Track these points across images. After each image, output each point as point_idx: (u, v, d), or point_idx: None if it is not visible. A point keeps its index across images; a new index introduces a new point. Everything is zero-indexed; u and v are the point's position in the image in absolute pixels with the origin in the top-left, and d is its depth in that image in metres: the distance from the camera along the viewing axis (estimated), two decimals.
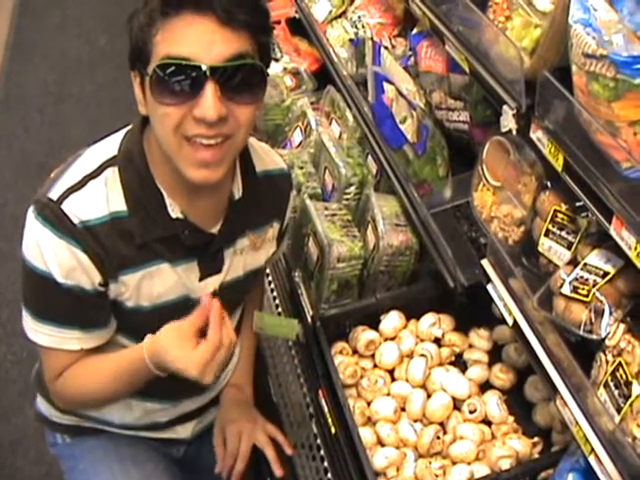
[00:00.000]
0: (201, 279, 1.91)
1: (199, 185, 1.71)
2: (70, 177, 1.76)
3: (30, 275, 1.77)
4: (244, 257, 2.00)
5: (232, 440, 2.17)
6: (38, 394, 2.21)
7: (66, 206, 1.71)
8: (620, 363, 1.65)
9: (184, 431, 2.23)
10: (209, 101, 1.56)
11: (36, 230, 1.72)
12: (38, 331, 1.83)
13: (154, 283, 1.84)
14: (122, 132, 1.84)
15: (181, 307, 1.88)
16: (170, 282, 1.86)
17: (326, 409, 2.33)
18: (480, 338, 2.56)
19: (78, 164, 1.80)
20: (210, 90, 1.56)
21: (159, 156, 1.74)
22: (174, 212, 1.79)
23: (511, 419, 2.36)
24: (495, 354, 2.54)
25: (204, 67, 1.55)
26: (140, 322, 1.89)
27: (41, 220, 1.71)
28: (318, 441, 2.49)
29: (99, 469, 2.14)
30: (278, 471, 2.14)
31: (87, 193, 1.73)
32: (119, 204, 1.75)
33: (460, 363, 2.54)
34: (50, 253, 1.71)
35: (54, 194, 1.72)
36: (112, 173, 1.76)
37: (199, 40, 1.55)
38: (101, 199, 1.74)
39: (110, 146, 1.81)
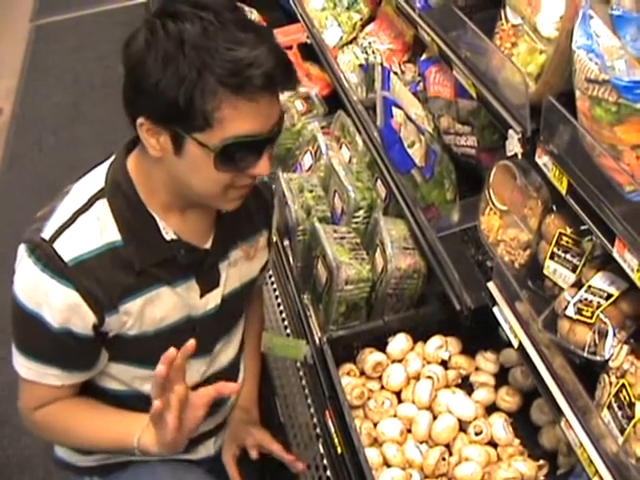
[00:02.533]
0: (202, 295, 1.93)
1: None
2: (60, 215, 1.76)
3: (18, 312, 1.77)
4: (239, 268, 2.02)
5: (248, 438, 2.19)
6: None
7: (58, 245, 1.71)
8: (623, 384, 1.66)
9: (206, 450, 2.23)
10: (267, 162, 1.69)
11: (28, 270, 1.73)
12: (20, 364, 1.85)
13: (155, 308, 1.85)
14: (106, 164, 1.84)
15: (183, 328, 1.92)
16: (171, 304, 1.88)
17: (333, 430, 2.35)
18: (487, 361, 2.57)
19: (67, 201, 1.80)
20: (267, 153, 1.68)
21: (155, 184, 1.76)
22: (168, 234, 1.81)
23: (517, 442, 2.36)
24: (501, 377, 2.54)
25: (266, 137, 1.65)
26: (143, 348, 1.90)
27: (34, 260, 1.71)
28: (325, 461, 2.51)
29: None
30: (301, 466, 2.18)
31: (78, 229, 1.74)
32: (113, 234, 1.76)
33: (467, 386, 2.55)
34: (42, 294, 1.72)
35: (46, 233, 1.73)
36: (102, 205, 1.76)
37: (263, 116, 1.62)
38: (94, 233, 1.74)
39: (96, 179, 1.81)
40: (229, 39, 1.55)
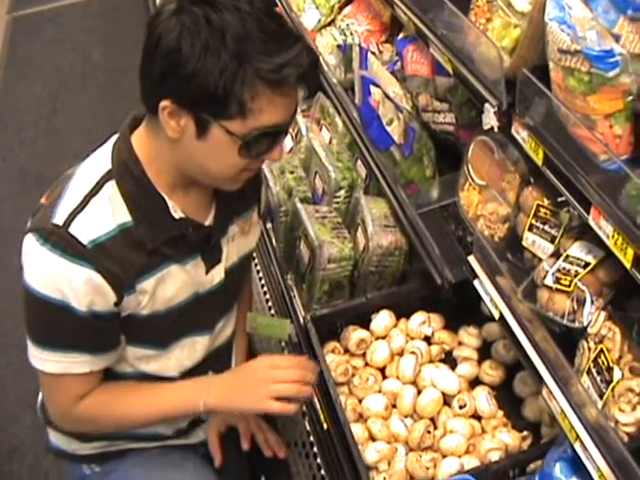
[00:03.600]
0: (207, 272, 1.96)
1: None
2: (70, 199, 1.76)
3: (41, 305, 1.77)
4: (236, 243, 2.05)
5: (242, 423, 2.25)
6: (51, 430, 2.19)
7: (73, 229, 1.72)
8: (602, 350, 1.69)
9: (204, 433, 2.26)
10: (281, 149, 1.78)
11: (45, 258, 1.72)
12: (45, 359, 1.84)
13: (166, 286, 1.88)
14: (109, 144, 1.86)
15: (191, 305, 1.96)
16: (180, 282, 1.90)
17: (318, 406, 2.37)
18: (469, 336, 2.59)
19: (74, 185, 1.80)
20: (282, 140, 1.77)
21: (161, 161, 1.79)
22: (176, 213, 1.84)
23: (500, 414, 2.38)
24: (484, 351, 2.57)
25: (287, 126, 1.74)
26: (152, 328, 1.93)
27: (49, 247, 1.71)
28: (311, 438, 2.53)
29: None
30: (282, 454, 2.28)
31: (91, 212, 1.75)
32: (124, 215, 1.78)
33: (450, 360, 2.57)
34: (63, 279, 1.72)
35: (58, 219, 1.73)
36: (111, 187, 1.78)
37: (290, 108, 1.70)
38: (106, 214, 1.76)
39: (102, 161, 1.82)
40: (267, 32, 1.61)
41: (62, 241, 1.71)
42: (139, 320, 1.88)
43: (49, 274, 1.73)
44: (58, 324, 1.80)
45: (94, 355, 1.86)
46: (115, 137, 1.87)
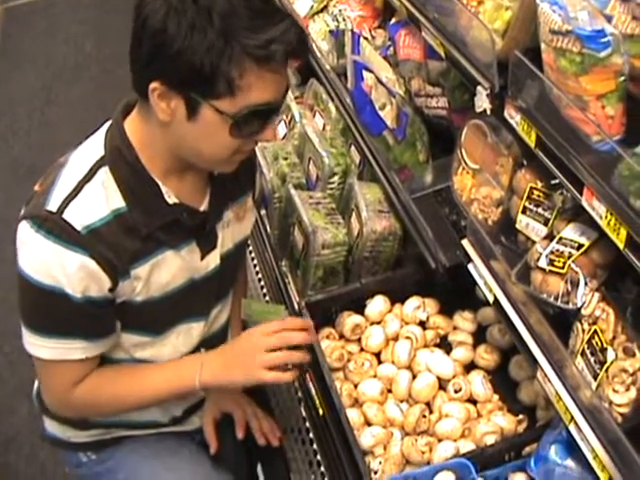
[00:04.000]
0: (202, 257, 1.96)
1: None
2: (63, 186, 1.76)
3: (36, 292, 1.76)
4: (231, 229, 2.05)
5: (237, 411, 2.26)
6: (47, 418, 2.19)
7: (67, 215, 1.72)
8: (595, 331, 1.69)
9: (200, 420, 2.27)
10: (274, 129, 1.78)
11: (39, 245, 1.72)
12: (40, 345, 1.84)
13: (162, 272, 1.88)
14: (102, 131, 1.85)
15: (187, 291, 1.96)
16: (175, 268, 1.91)
17: (314, 392, 2.37)
18: (464, 320, 2.59)
19: (67, 172, 1.80)
20: (274, 120, 1.75)
21: (154, 146, 1.78)
22: (170, 198, 1.83)
23: (496, 397, 2.39)
24: (480, 336, 2.57)
25: (278, 105, 1.71)
26: (147, 315, 1.93)
27: (44, 233, 1.71)
28: (307, 424, 2.53)
29: (141, 471, 2.16)
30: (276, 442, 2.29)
31: (85, 198, 1.74)
32: (118, 201, 1.77)
33: (445, 345, 2.57)
34: (57, 266, 1.72)
35: (52, 206, 1.73)
36: (105, 173, 1.77)
37: (280, 86, 1.69)
38: (100, 200, 1.75)
39: (95, 147, 1.82)
40: (253, 10, 1.60)
41: (56, 227, 1.71)
42: (134, 306, 1.88)
43: (43, 260, 1.73)
44: (53, 310, 1.80)
45: (89, 341, 1.86)
46: (108, 124, 1.86)
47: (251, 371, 1.96)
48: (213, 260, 2.00)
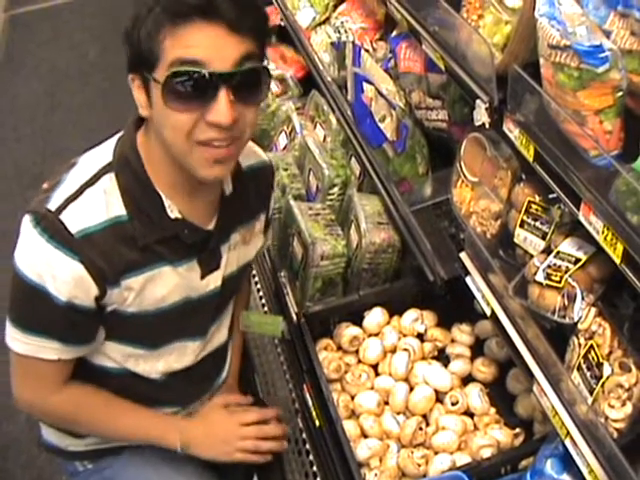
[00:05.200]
0: (202, 277, 1.94)
1: (207, 182, 1.78)
2: (67, 187, 1.76)
3: (20, 285, 1.76)
4: (237, 252, 2.04)
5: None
6: (44, 426, 2.18)
7: (64, 216, 1.71)
8: (592, 345, 1.70)
9: None
10: (223, 106, 1.60)
11: (33, 240, 1.72)
12: (16, 339, 1.82)
13: (156, 286, 1.86)
14: (114, 139, 1.86)
15: (182, 309, 1.94)
16: (172, 284, 1.89)
17: (311, 403, 2.37)
18: (462, 333, 2.60)
19: (74, 173, 1.80)
20: (223, 96, 1.59)
21: (159, 158, 1.77)
22: (173, 213, 1.82)
23: (493, 411, 2.39)
24: (477, 349, 2.57)
25: (217, 72, 1.58)
26: (140, 327, 1.91)
27: (39, 230, 1.71)
28: (304, 435, 2.53)
29: None
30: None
31: (85, 202, 1.74)
32: (118, 209, 1.77)
33: (443, 358, 2.58)
34: (45, 265, 1.71)
35: (52, 205, 1.73)
36: (109, 180, 1.77)
37: (209, 46, 1.58)
38: (100, 206, 1.75)
39: (104, 153, 1.82)
40: None
41: (51, 227, 1.71)
42: (126, 317, 1.87)
43: (33, 257, 1.73)
44: (33, 306, 1.79)
45: (64, 344, 1.84)
46: (121, 132, 1.87)
47: (229, 454, 2.10)
48: (214, 281, 1.98)
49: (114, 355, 1.96)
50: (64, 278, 1.72)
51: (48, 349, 1.83)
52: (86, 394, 1.98)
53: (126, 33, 1.63)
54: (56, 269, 1.71)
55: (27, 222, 1.74)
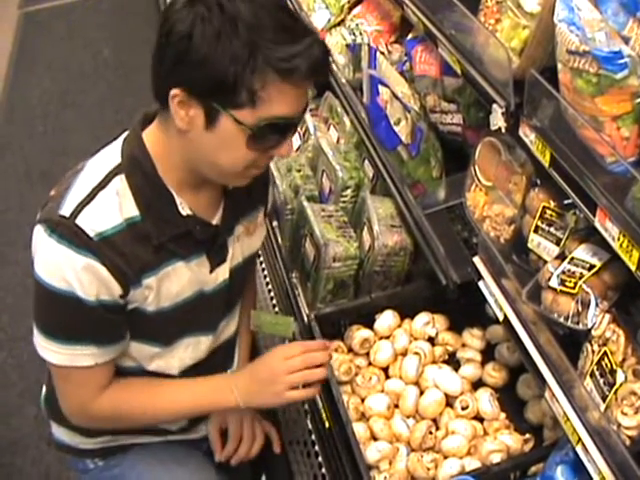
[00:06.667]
0: (211, 270, 1.96)
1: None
2: (78, 192, 1.77)
3: (49, 295, 1.77)
4: (241, 244, 2.06)
5: (235, 426, 2.22)
6: (55, 424, 2.19)
7: (80, 221, 1.72)
8: (605, 352, 1.69)
9: (207, 429, 2.26)
10: (291, 144, 1.77)
11: (52, 249, 1.73)
12: (50, 350, 1.84)
13: (172, 283, 1.88)
14: (120, 140, 1.86)
15: (196, 302, 1.96)
16: (185, 279, 1.91)
17: (321, 405, 2.37)
18: (473, 337, 2.59)
19: (83, 178, 1.81)
20: (292, 135, 1.76)
21: (172, 159, 1.79)
22: (184, 209, 1.84)
23: (503, 416, 2.38)
24: (488, 353, 2.57)
25: (296, 120, 1.73)
26: (158, 325, 1.93)
27: (56, 238, 1.71)
28: (313, 437, 2.53)
29: (147, 479, 2.17)
30: (278, 449, 2.27)
31: (99, 205, 1.75)
32: (131, 210, 1.78)
33: (453, 362, 2.57)
34: (69, 269, 1.72)
35: (65, 211, 1.73)
36: (120, 181, 1.78)
37: (300, 101, 1.70)
38: (113, 208, 1.76)
39: (112, 155, 1.83)
40: (279, 23, 1.61)
41: (69, 232, 1.71)
42: (146, 315, 1.88)
43: (56, 264, 1.73)
44: (65, 314, 1.80)
45: (99, 347, 1.85)
46: (125, 134, 1.87)
47: (280, 394, 2.01)
48: (222, 274, 2.00)
49: (132, 355, 1.98)
50: (90, 280, 1.73)
51: (84, 356, 1.85)
52: (125, 386, 1.98)
53: (202, 58, 1.59)
54: (80, 271, 1.72)
55: (41, 232, 1.75)
